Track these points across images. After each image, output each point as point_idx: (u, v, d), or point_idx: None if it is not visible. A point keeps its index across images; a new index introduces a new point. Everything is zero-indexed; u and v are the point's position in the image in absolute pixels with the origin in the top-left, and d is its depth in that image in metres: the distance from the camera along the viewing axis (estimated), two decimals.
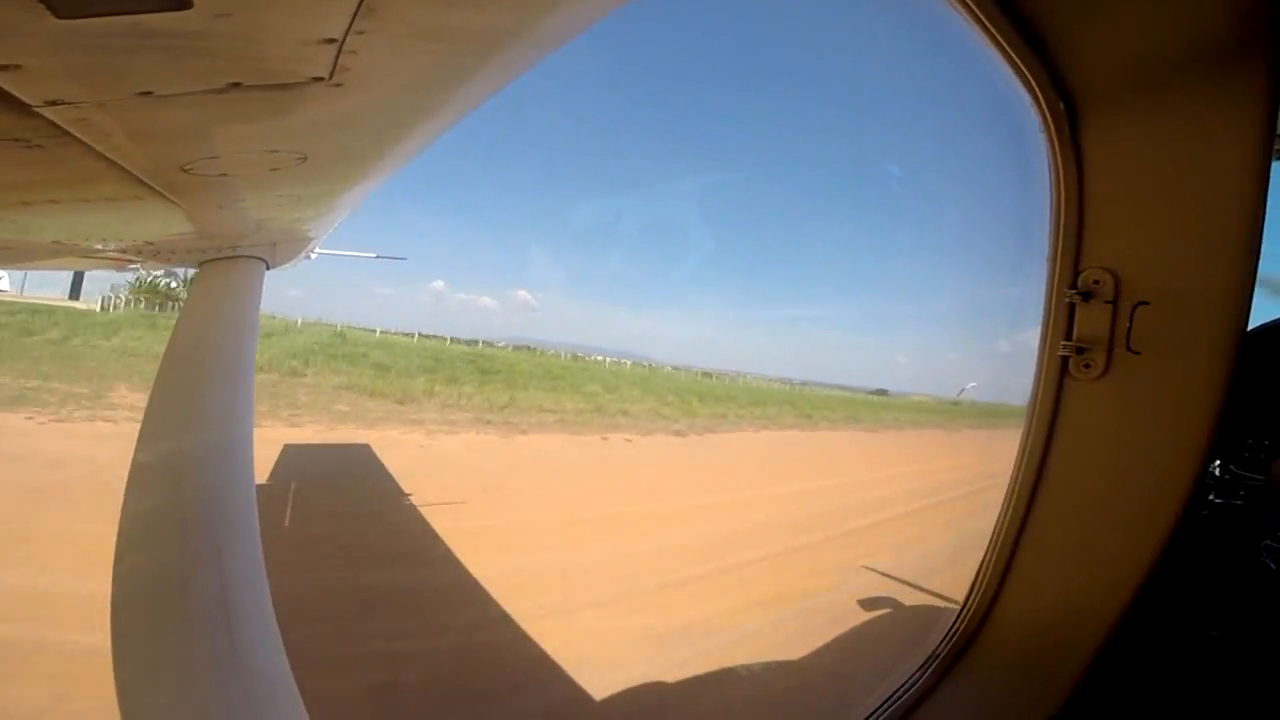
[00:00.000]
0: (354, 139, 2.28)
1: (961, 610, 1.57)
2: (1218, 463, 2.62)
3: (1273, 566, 2.20)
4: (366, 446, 18.57)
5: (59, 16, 1.16)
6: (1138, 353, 1.05)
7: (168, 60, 1.42)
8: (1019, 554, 1.32)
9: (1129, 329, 1.04)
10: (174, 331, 4.07)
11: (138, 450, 3.25)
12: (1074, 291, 1.08)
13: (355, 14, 1.35)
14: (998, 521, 1.33)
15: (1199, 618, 2.18)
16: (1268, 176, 1.03)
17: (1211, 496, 2.57)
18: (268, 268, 4.57)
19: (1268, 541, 2.26)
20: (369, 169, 2.75)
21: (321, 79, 1.63)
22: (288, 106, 1.83)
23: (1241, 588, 2.23)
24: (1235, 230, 1.01)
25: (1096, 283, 1.06)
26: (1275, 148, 1.12)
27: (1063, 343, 1.09)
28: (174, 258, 4.41)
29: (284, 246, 4.60)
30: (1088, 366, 1.09)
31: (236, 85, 1.61)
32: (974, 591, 1.51)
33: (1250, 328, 2.94)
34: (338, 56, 1.52)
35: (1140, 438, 1.08)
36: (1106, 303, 1.06)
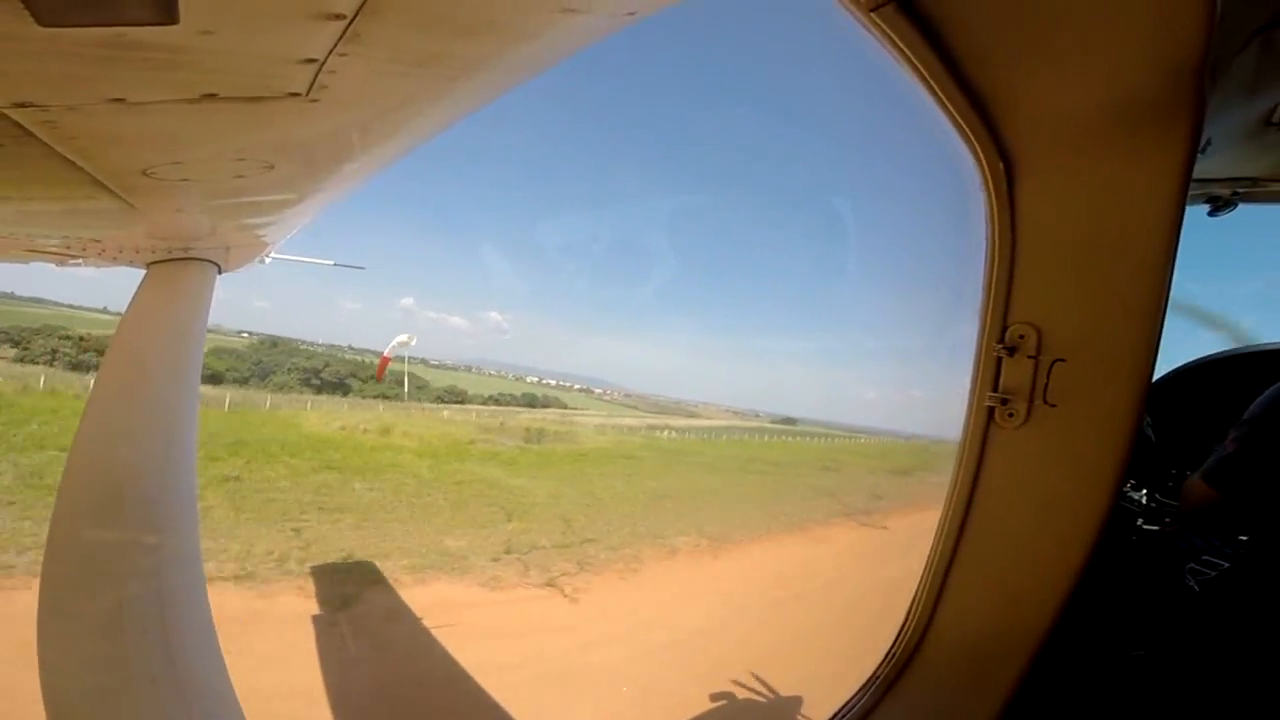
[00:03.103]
0: (324, 152, 2.29)
1: (899, 634, 1.65)
2: (1144, 492, 2.79)
3: (1195, 588, 2.34)
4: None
5: (42, 24, 1.17)
6: (1054, 405, 1.15)
7: (144, 70, 1.43)
8: (950, 582, 1.40)
9: (1046, 383, 1.14)
10: (117, 333, 3.93)
11: (72, 454, 3.13)
12: (1001, 345, 1.18)
13: (340, 38, 1.39)
14: (931, 550, 1.41)
15: (1126, 638, 2.31)
16: (1179, 230, 1.13)
17: (1140, 523, 2.73)
18: (220, 271, 4.46)
19: (1191, 565, 2.42)
20: (337, 180, 2.75)
21: (298, 95, 1.66)
22: (261, 118, 1.83)
23: (1166, 609, 2.38)
24: (1146, 283, 1.11)
25: (1021, 338, 1.16)
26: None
27: (989, 393, 1.18)
28: (121, 257, 4.26)
29: (239, 250, 4.49)
30: (1011, 416, 1.18)
31: (211, 96, 1.61)
32: (910, 615, 1.59)
33: (1177, 367, 3.15)
34: (317, 75, 1.55)
35: (1057, 481, 1.17)
36: (1029, 357, 1.15)
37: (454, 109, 2.20)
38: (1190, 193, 2.40)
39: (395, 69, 1.68)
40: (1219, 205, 2.54)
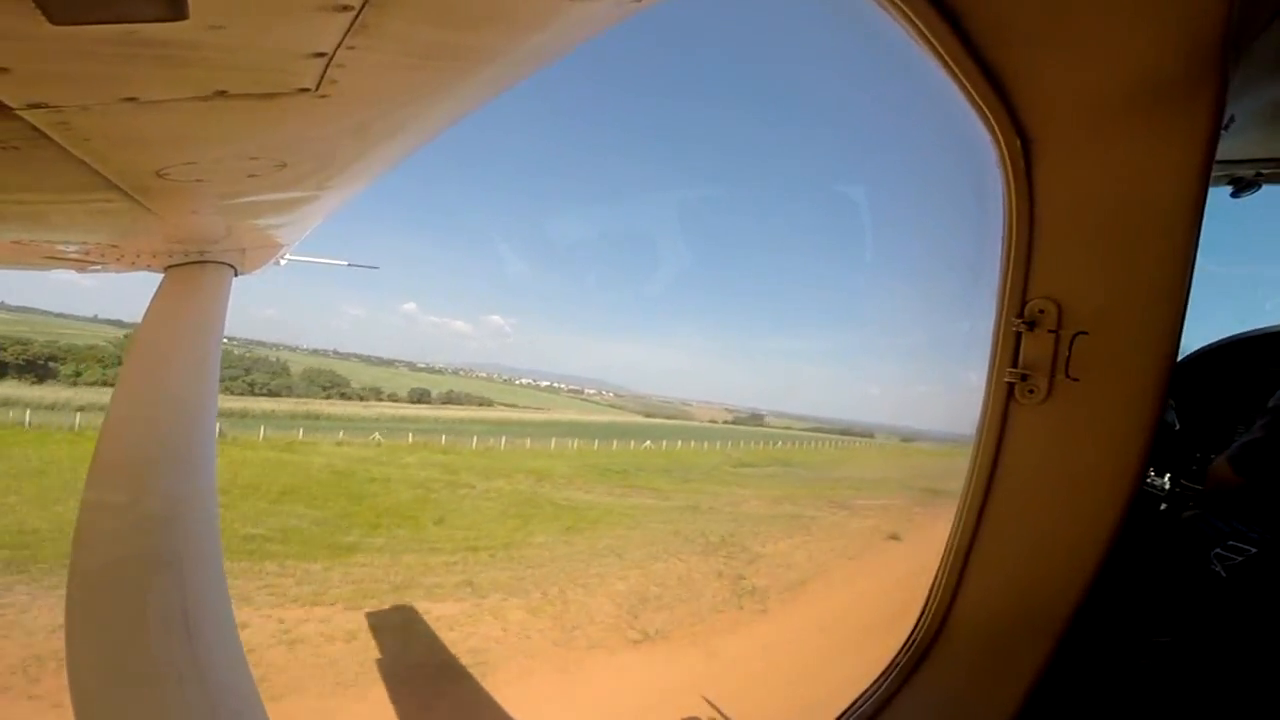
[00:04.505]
0: (335, 148, 2.29)
1: (918, 620, 1.63)
2: (1167, 477, 2.75)
3: (1222, 574, 2.29)
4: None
5: (54, 22, 1.18)
6: (1076, 379, 1.12)
7: (156, 68, 1.44)
8: (970, 565, 1.38)
9: (1069, 357, 1.11)
10: (137, 335, 3.99)
11: (96, 454, 3.17)
12: (1020, 320, 1.15)
13: (348, 30, 1.39)
14: (950, 535, 1.38)
15: (1151, 624, 2.27)
16: (1203, 209, 1.11)
17: (1163, 508, 2.68)
18: (236, 274, 4.50)
19: (1217, 550, 2.36)
20: (348, 178, 2.77)
21: (308, 90, 1.66)
22: (272, 115, 1.84)
23: (1192, 595, 2.33)
24: (1170, 261, 1.09)
25: (1041, 312, 1.14)
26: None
27: (1009, 369, 1.16)
28: (139, 261, 4.31)
29: (254, 252, 4.53)
30: (1031, 392, 1.15)
31: (222, 94, 1.62)
32: (930, 601, 1.57)
33: (1198, 349, 3.09)
34: (326, 69, 1.55)
35: (1080, 458, 1.15)
36: (1050, 332, 1.13)
37: (464, 102, 2.20)
38: (1212, 174, 2.34)
39: (404, 62, 1.68)
40: (1242, 186, 2.49)
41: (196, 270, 4.25)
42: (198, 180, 2.36)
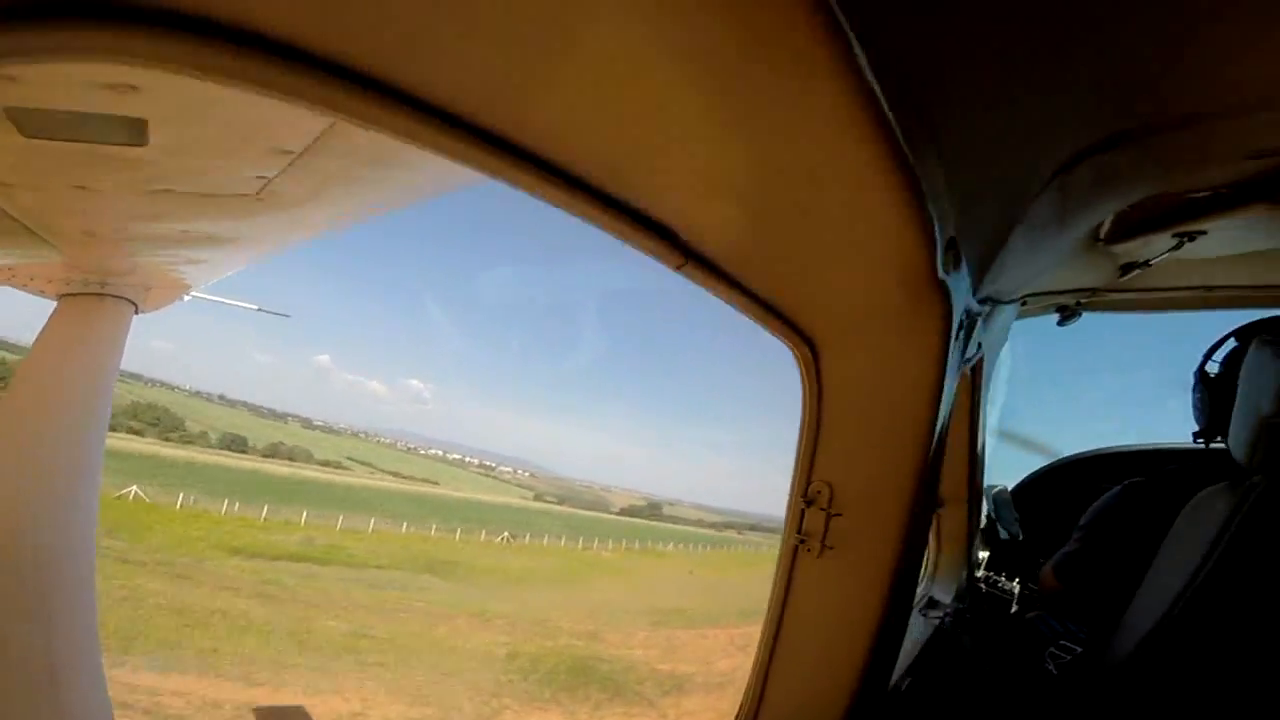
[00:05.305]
0: (265, 228, 2.42)
1: None
2: (1017, 580, 3.05)
3: (1054, 671, 2.53)
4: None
5: (25, 135, 1.34)
6: (832, 548, 1.41)
7: (110, 170, 1.61)
8: (770, 681, 1.60)
9: (825, 531, 1.40)
10: (21, 369, 3.74)
11: None
12: (803, 499, 1.44)
13: (288, 166, 1.61)
14: (756, 654, 1.61)
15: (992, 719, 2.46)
16: (940, 393, 1.36)
17: (1015, 610, 2.96)
18: (136, 311, 4.31)
19: (1051, 649, 2.61)
20: (273, 243, 2.85)
21: (247, 195, 1.84)
22: (210, 207, 2.00)
23: (1028, 692, 2.54)
24: (915, 443, 1.37)
25: (819, 492, 1.42)
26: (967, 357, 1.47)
27: (795, 534, 1.44)
28: (31, 284, 4.06)
29: (159, 290, 4.32)
30: (810, 550, 1.43)
31: (167, 191, 1.79)
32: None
33: (1041, 466, 3.45)
34: (266, 184, 1.76)
35: (839, 602, 1.43)
36: (821, 510, 1.41)
37: (398, 201, 2.36)
38: (1041, 303, 2.67)
39: (338, 184, 1.89)
40: (1067, 314, 2.77)
41: (94, 303, 4.04)
42: (126, 239, 2.42)
